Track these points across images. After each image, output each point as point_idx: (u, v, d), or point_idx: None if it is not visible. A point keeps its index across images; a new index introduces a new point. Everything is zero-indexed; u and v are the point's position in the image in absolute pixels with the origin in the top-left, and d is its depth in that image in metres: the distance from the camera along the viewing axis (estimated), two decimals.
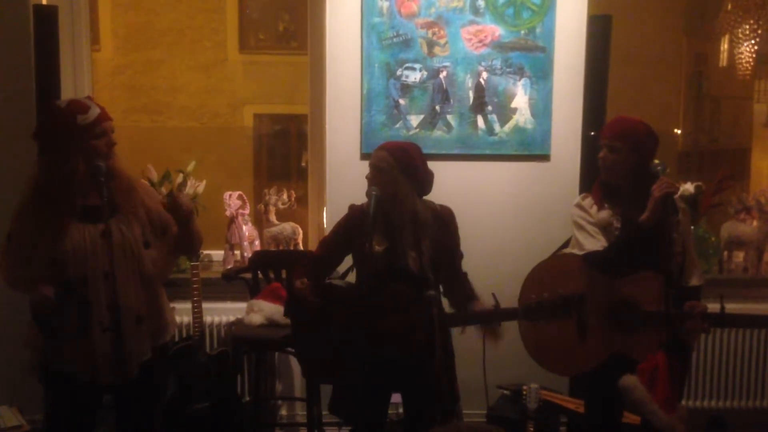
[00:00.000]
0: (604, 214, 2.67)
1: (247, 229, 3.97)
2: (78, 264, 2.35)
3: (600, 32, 3.44)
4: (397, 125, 3.71)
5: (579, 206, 2.75)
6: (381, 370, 2.64)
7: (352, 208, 2.81)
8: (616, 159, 2.62)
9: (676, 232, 2.58)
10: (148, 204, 2.52)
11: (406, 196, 2.71)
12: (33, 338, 2.45)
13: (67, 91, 3.69)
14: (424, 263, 2.66)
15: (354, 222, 2.75)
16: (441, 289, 2.83)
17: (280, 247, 3.95)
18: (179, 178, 3.93)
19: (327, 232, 3.10)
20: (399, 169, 2.70)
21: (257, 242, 4.01)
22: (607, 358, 2.61)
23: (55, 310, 2.32)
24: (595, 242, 2.66)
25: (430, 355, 2.63)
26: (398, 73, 3.69)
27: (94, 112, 2.39)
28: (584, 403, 2.95)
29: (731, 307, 2.55)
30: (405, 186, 2.70)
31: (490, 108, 3.72)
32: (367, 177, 2.70)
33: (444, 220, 2.79)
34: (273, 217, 3.98)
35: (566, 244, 2.95)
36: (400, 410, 3.15)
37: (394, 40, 3.68)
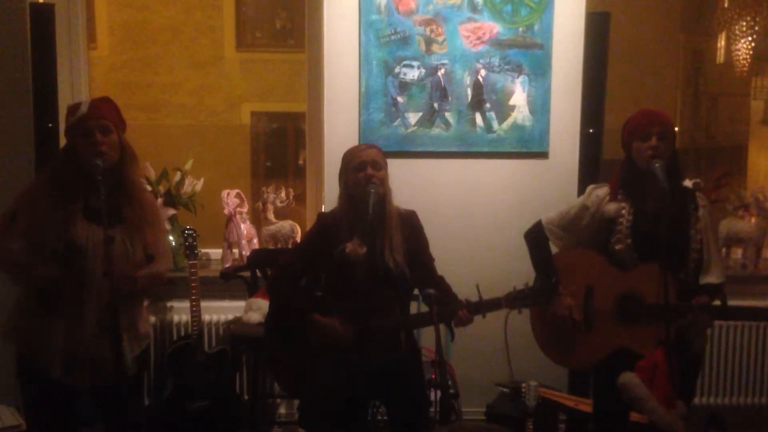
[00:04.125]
0: (613, 206, 2.68)
1: (246, 228, 3.96)
2: (77, 259, 2.35)
3: (598, 29, 3.44)
4: (396, 123, 3.70)
5: (595, 194, 2.75)
6: (364, 376, 2.62)
7: (323, 216, 2.80)
8: (666, 147, 2.58)
9: (693, 229, 2.59)
10: (146, 228, 2.51)
11: (390, 197, 2.71)
12: (15, 331, 2.45)
13: (64, 89, 3.68)
14: (402, 265, 2.66)
15: (327, 230, 2.71)
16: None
17: (279, 246, 3.94)
18: (177, 177, 3.92)
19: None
20: (386, 167, 2.71)
21: (255, 240, 4.00)
22: (613, 351, 2.62)
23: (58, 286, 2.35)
24: (560, 232, 2.77)
25: (412, 355, 2.64)
26: (396, 70, 3.68)
27: (81, 112, 2.40)
28: (592, 401, 2.94)
29: (730, 303, 2.56)
30: (389, 187, 2.71)
31: (488, 105, 3.71)
32: (368, 174, 2.61)
33: (412, 224, 2.77)
34: (271, 216, 3.97)
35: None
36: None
37: (392, 37, 3.67)
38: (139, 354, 2.60)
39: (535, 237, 2.85)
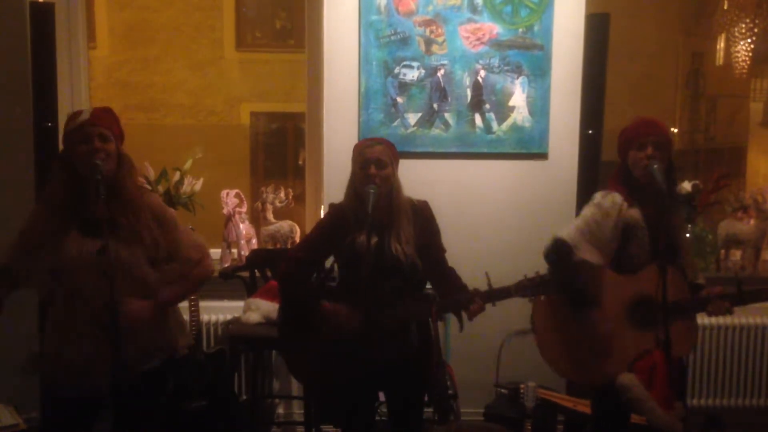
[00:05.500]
0: (635, 212, 2.61)
1: (245, 228, 3.96)
2: (71, 277, 2.34)
3: (598, 30, 3.44)
4: (395, 123, 3.70)
5: (611, 200, 2.63)
6: (373, 369, 2.62)
7: (334, 207, 2.79)
8: (663, 156, 2.56)
9: (682, 234, 2.61)
10: (154, 228, 2.45)
11: (399, 190, 2.70)
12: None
13: (64, 89, 3.68)
14: (413, 258, 2.65)
15: (337, 221, 2.71)
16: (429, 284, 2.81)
17: (278, 246, 3.94)
18: (176, 176, 3.92)
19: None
20: (395, 163, 2.70)
21: (254, 240, 4.00)
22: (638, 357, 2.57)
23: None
24: (587, 247, 2.59)
25: (423, 351, 2.63)
26: (396, 71, 3.68)
27: (82, 118, 2.39)
28: (591, 403, 2.93)
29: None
30: (398, 180, 2.70)
31: (487, 106, 3.72)
32: (369, 174, 2.60)
33: (424, 215, 2.76)
34: (270, 216, 3.97)
35: None
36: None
37: (392, 38, 3.67)
38: (151, 368, 2.50)
39: (558, 255, 2.63)
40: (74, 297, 2.38)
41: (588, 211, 2.67)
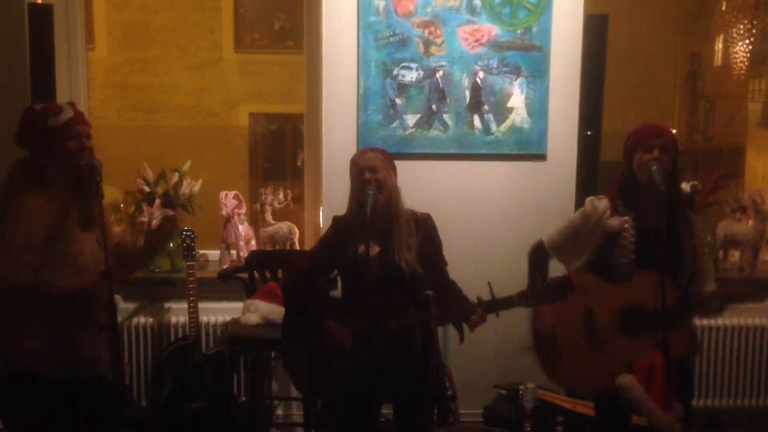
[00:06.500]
0: (616, 221, 2.63)
1: (243, 229, 3.96)
2: (90, 274, 2.33)
3: (596, 31, 3.45)
4: (394, 125, 3.70)
5: (595, 206, 2.70)
6: (376, 377, 2.62)
7: (337, 219, 2.81)
8: (668, 161, 2.56)
9: (689, 241, 2.59)
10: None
11: (398, 198, 2.72)
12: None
13: (62, 90, 3.68)
14: (415, 266, 2.66)
15: (341, 233, 2.74)
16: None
17: (277, 247, 3.94)
18: (175, 178, 3.92)
19: (323, 232, 3.07)
20: (390, 169, 2.72)
21: (253, 242, 4.00)
22: (628, 366, 2.56)
23: None
24: (566, 249, 2.72)
25: (426, 357, 2.63)
26: (395, 72, 3.68)
27: (66, 115, 2.37)
28: (593, 405, 2.93)
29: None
30: (396, 187, 2.72)
31: (486, 107, 3.72)
32: (365, 179, 2.65)
33: (427, 226, 2.79)
34: (269, 217, 3.97)
35: None
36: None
37: (391, 39, 3.68)
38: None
39: (536, 257, 2.82)
40: (86, 294, 2.37)
41: (574, 215, 2.80)
